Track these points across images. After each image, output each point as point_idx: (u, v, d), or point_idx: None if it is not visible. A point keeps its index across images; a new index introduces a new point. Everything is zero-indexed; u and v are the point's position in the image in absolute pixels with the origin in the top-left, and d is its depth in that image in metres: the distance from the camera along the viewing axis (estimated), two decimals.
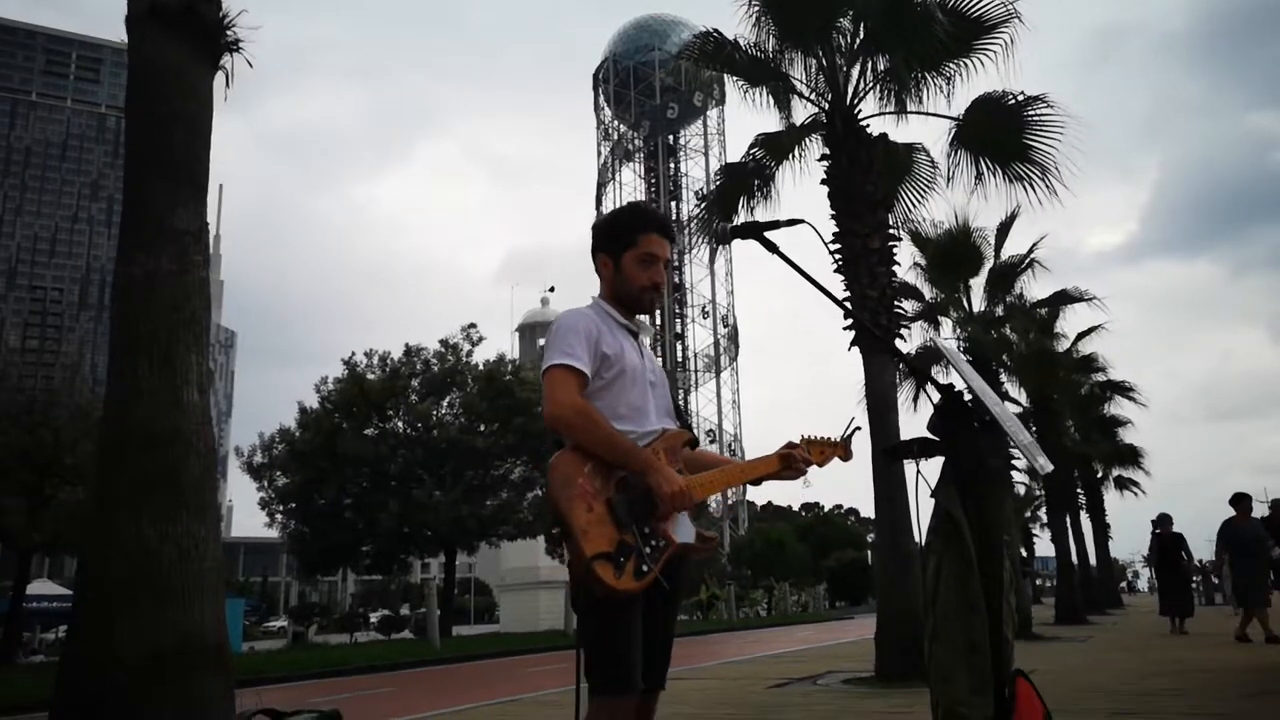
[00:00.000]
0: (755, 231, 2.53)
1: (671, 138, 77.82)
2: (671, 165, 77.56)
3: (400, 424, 26.46)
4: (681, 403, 2.54)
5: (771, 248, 2.49)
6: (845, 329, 9.35)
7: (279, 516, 25.67)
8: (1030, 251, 15.67)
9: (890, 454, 2.50)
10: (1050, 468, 2.53)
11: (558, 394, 2.19)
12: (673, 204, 75.34)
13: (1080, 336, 21.86)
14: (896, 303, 9.77)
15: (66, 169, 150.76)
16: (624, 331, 2.41)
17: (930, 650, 2.41)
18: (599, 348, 2.29)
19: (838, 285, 9.44)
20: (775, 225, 2.57)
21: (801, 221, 2.49)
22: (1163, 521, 14.50)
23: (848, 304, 2.57)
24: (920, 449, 2.43)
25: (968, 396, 2.54)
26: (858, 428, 2.60)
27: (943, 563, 2.42)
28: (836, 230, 9.28)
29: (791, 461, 2.46)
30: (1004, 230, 15.49)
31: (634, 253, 2.43)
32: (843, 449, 2.60)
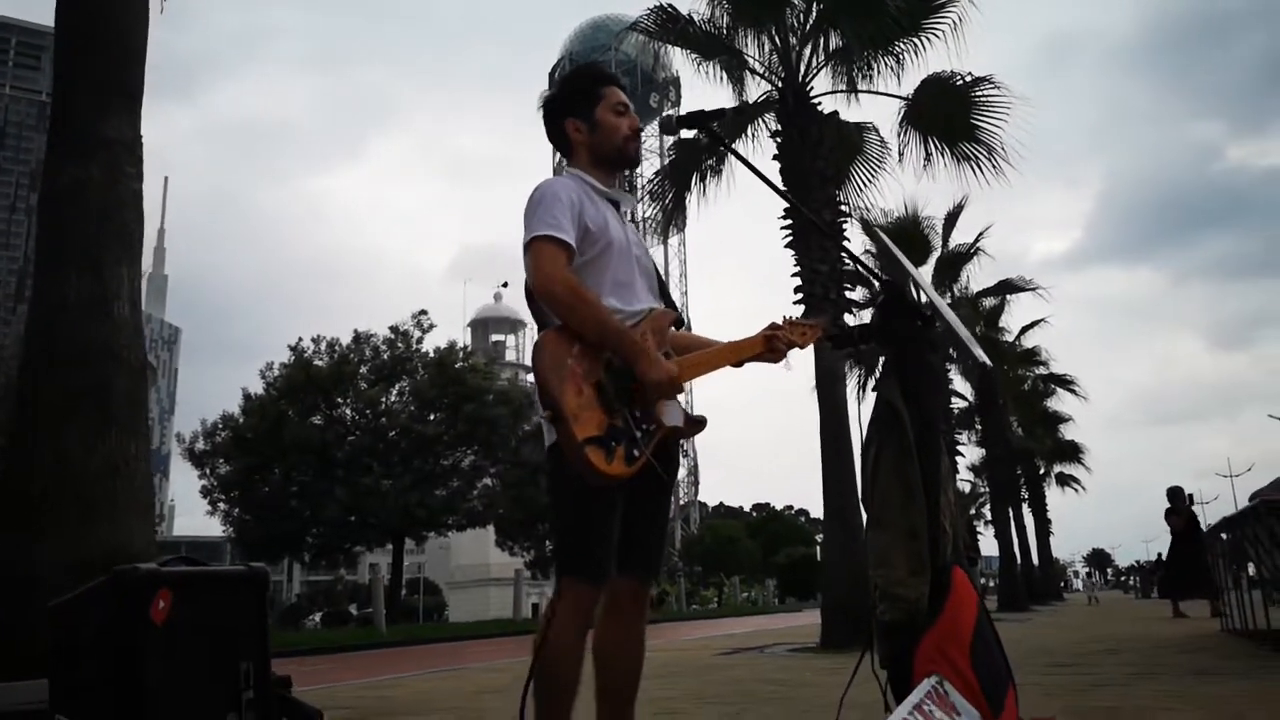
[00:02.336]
0: (700, 121, 2.53)
1: None
2: None
3: (348, 411, 26.04)
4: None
5: (716, 138, 2.50)
6: (795, 303, 9.44)
7: (221, 505, 25.03)
8: (977, 240, 16.00)
9: (835, 341, 2.52)
10: (988, 362, 2.58)
11: (546, 267, 2.06)
12: None
13: (1024, 330, 22.35)
14: (845, 285, 9.86)
15: (4, 157, 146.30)
16: (605, 202, 2.31)
17: (869, 535, 2.44)
18: (582, 219, 2.18)
19: (788, 259, 9.51)
20: (721, 114, 2.58)
21: (746, 108, 2.48)
22: (1183, 495, 12.53)
23: (790, 197, 2.57)
24: (861, 336, 2.47)
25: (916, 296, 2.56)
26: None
27: (882, 450, 2.45)
28: (787, 206, 9.34)
29: (774, 343, 2.41)
30: (952, 219, 15.80)
31: (605, 103, 2.34)
32: (823, 328, 2.57)
